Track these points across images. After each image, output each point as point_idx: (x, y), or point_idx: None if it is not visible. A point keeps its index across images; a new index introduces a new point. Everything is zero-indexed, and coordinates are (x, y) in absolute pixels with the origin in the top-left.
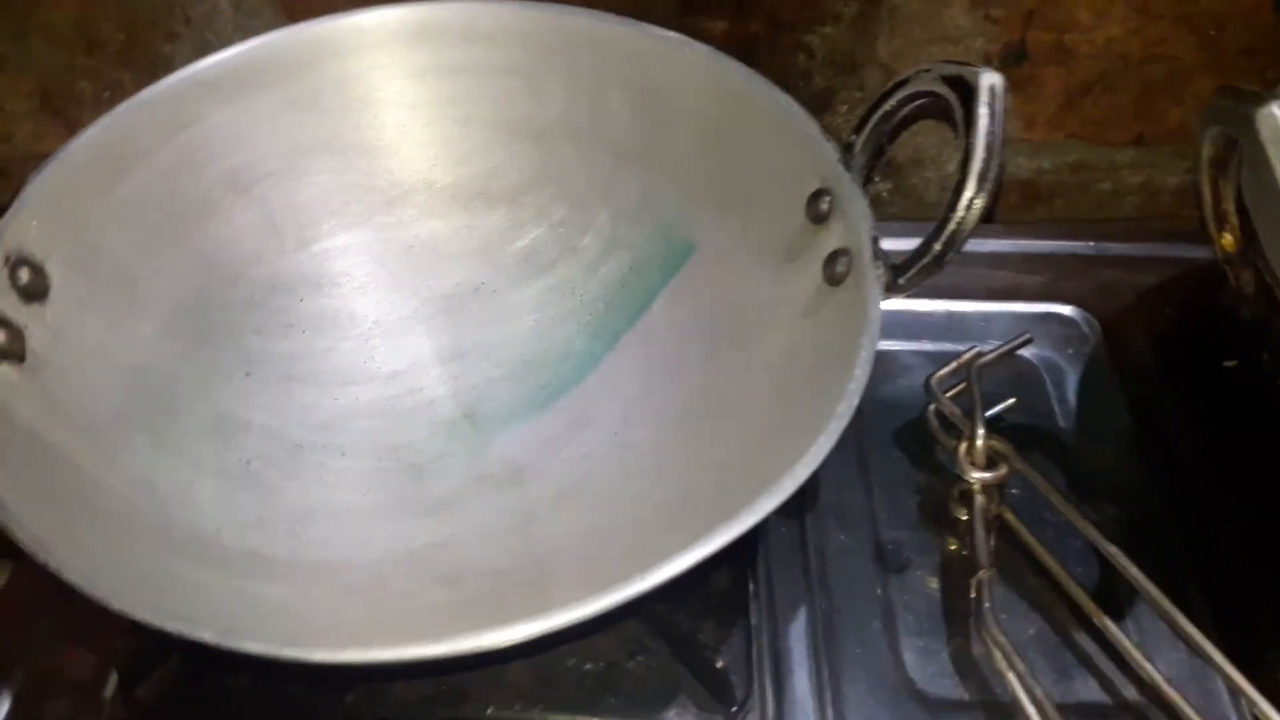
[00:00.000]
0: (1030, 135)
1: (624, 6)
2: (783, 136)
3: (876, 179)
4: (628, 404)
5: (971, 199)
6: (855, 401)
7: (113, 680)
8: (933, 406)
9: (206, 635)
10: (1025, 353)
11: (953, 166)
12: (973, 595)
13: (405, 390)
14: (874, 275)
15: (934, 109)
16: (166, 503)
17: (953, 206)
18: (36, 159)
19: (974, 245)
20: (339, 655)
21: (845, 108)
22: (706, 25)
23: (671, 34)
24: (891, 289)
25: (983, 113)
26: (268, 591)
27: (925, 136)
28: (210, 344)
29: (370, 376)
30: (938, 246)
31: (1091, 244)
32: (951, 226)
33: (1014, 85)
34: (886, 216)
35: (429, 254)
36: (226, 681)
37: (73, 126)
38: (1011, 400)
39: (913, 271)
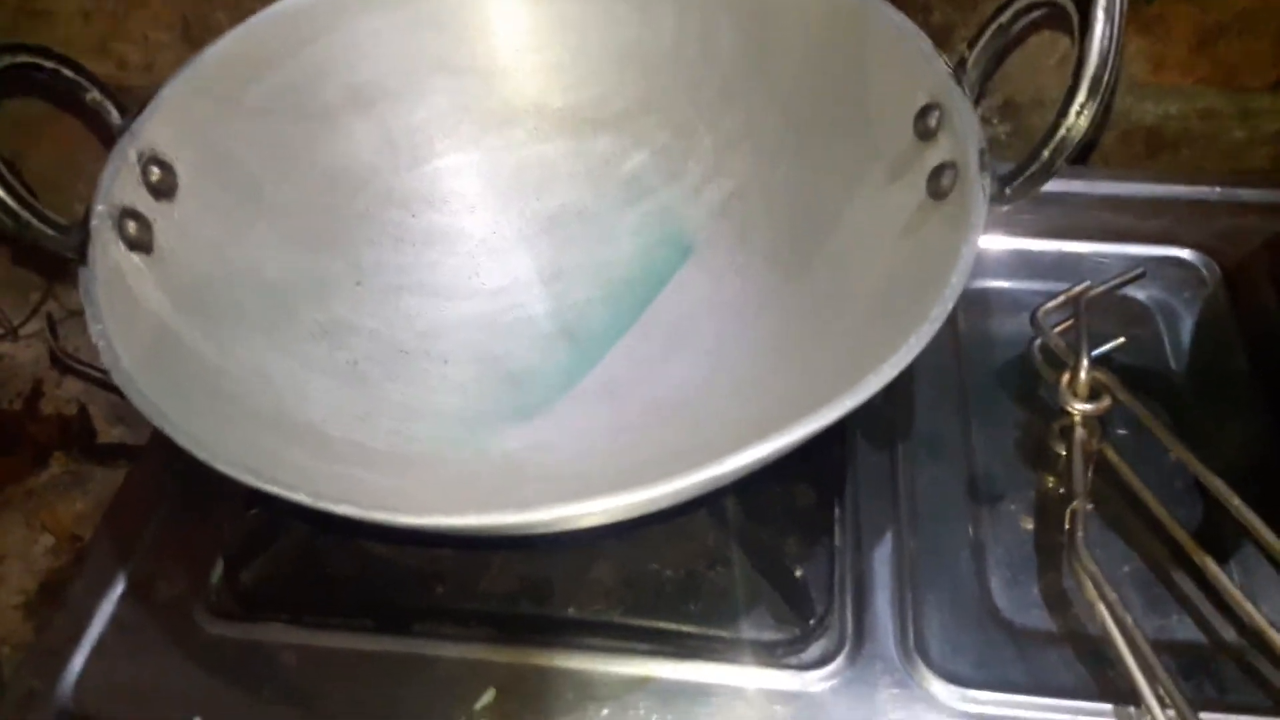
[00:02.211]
0: (1158, 79)
1: None
2: (894, 54)
3: (995, 121)
4: (723, 327)
5: (1082, 105)
6: (949, 306)
7: (219, 566)
8: (1038, 340)
9: (301, 497)
10: (1139, 295)
11: None
12: (1066, 526)
13: (507, 306)
14: (980, 185)
15: (1050, 19)
16: (279, 393)
17: (1063, 113)
18: None
19: (1092, 187)
20: (423, 519)
21: (965, 45)
22: None
23: None
24: (998, 199)
25: (1100, 17)
26: (367, 477)
27: (1047, 76)
28: (325, 251)
29: (475, 291)
30: (1045, 154)
31: (1218, 189)
32: (1060, 133)
33: (1143, 25)
34: (1004, 159)
35: (535, 176)
36: (324, 570)
37: None
38: (1121, 339)
39: (1019, 181)
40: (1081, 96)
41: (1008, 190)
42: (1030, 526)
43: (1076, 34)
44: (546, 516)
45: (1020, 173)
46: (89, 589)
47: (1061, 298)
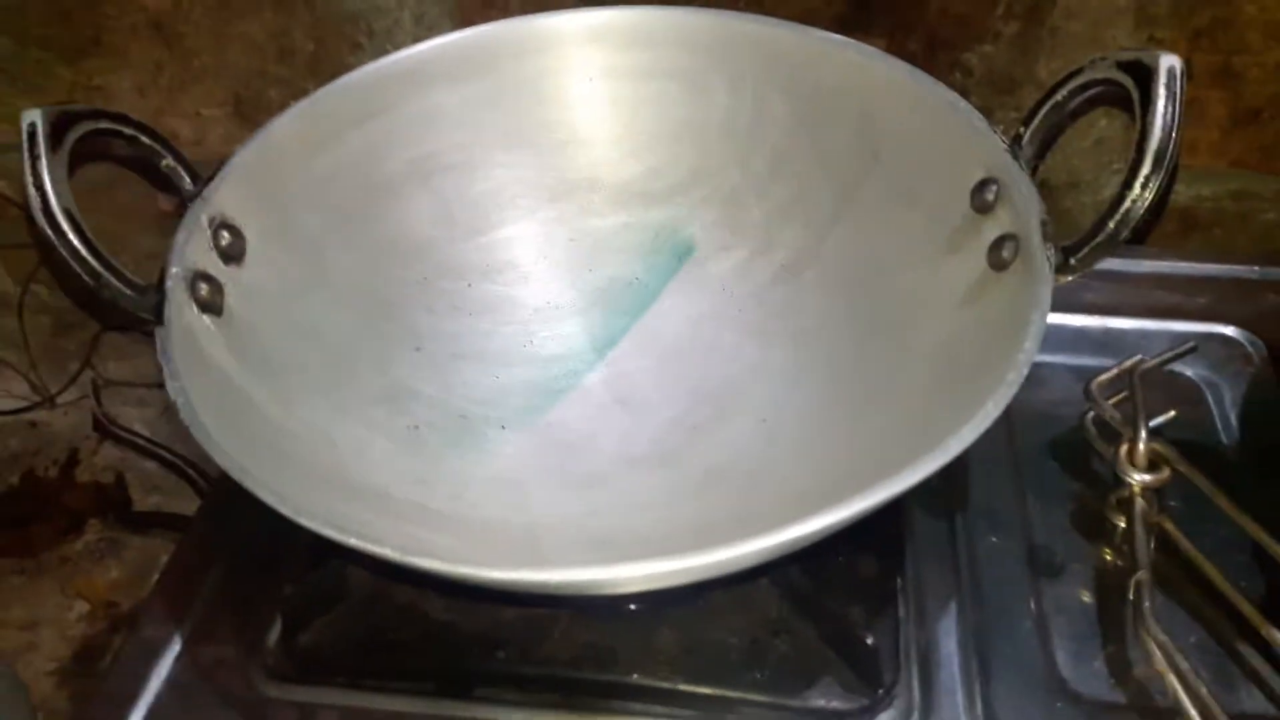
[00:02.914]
0: (1191, 162)
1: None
2: (947, 129)
3: None
4: (777, 394)
5: (1148, 176)
6: (1024, 372)
7: (275, 628)
8: (1091, 413)
9: (387, 551)
10: (1186, 371)
11: (1109, 191)
12: (1130, 596)
13: (561, 373)
14: (1044, 256)
15: (1109, 96)
16: (343, 455)
17: (1128, 185)
18: None
19: (1132, 265)
20: (511, 574)
21: (1001, 127)
22: (865, 43)
23: (837, 36)
24: (1063, 270)
25: (1161, 93)
26: (433, 538)
27: (1081, 160)
28: (385, 318)
29: (529, 359)
30: (1111, 225)
31: (1256, 269)
32: (1126, 205)
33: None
34: None
35: (588, 249)
36: (384, 633)
37: None
38: (1173, 413)
39: (1084, 252)
40: (1146, 168)
41: (1072, 261)
42: (1090, 598)
43: (1138, 108)
44: (632, 573)
45: (1084, 244)
46: (142, 651)
47: (1114, 371)
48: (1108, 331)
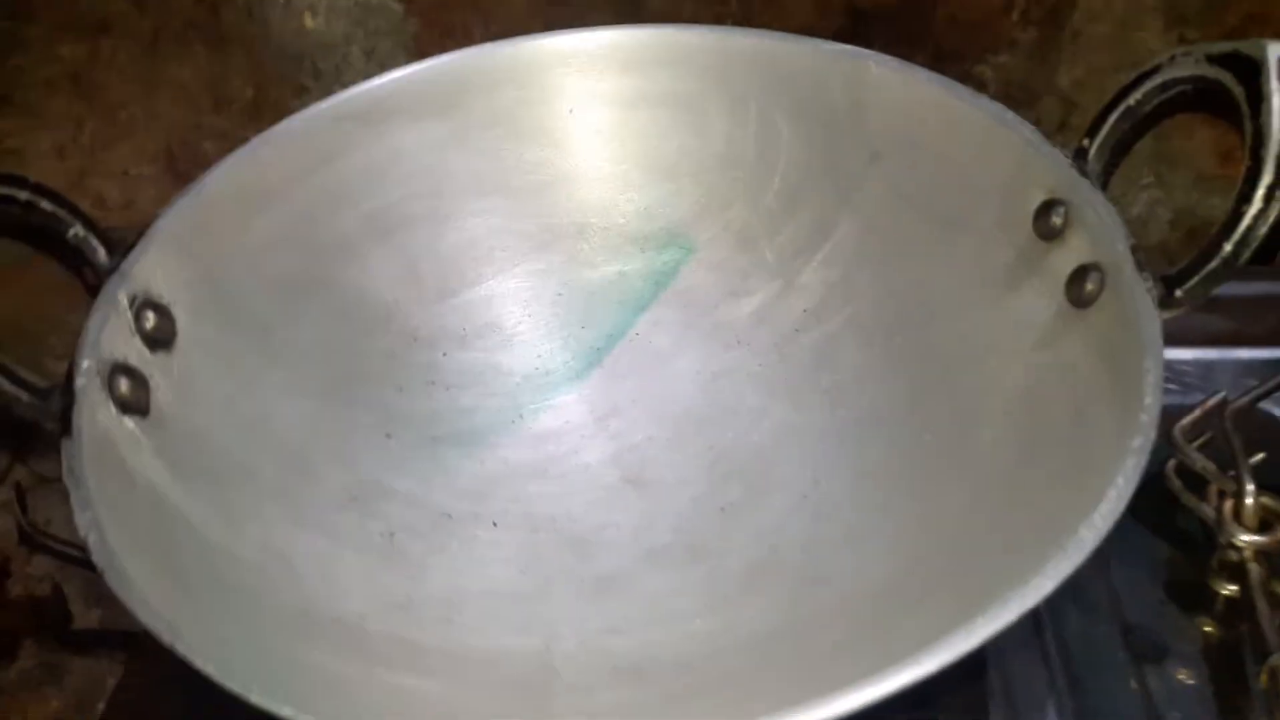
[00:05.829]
0: (1226, 171)
1: None
2: (992, 147)
3: None
4: (817, 465)
5: (1272, 186)
6: (1153, 435)
7: None
8: (1172, 461)
9: None
10: (1262, 405)
11: (1138, 210)
12: (1263, 684)
13: (559, 453)
14: (1144, 289)
15: (1197, 98)
16: (304, 580)
17: (1246, 199)
18: None
19: None
20: None
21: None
22: None
23: (846, 46)
24: (1166, 304)
25: (1276, 87)
26: (422, 687)
27: None
28: (347, 402)
29: (519, 438)
30: (1228, 247)
31: None
32: (1246, 222)
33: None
34: None
35: (580, 303)
36: None
37: None
38: (1262, 455)
39: (1194, 281)
40: (1269, 178)
41: (1178, 293)
42: (1202, 684)
43: (1245, 108)
44: None
45: (1192, 273)
46: None
47: (1198, 412)
48: (1165, 365)
